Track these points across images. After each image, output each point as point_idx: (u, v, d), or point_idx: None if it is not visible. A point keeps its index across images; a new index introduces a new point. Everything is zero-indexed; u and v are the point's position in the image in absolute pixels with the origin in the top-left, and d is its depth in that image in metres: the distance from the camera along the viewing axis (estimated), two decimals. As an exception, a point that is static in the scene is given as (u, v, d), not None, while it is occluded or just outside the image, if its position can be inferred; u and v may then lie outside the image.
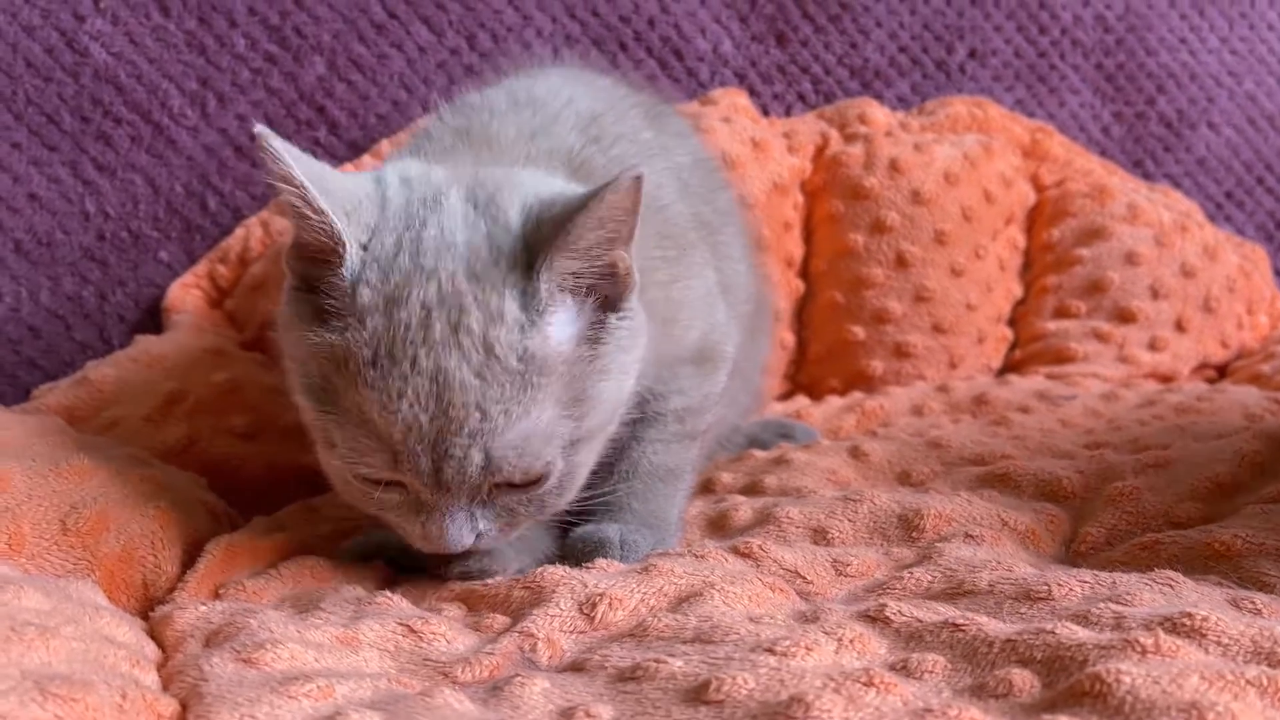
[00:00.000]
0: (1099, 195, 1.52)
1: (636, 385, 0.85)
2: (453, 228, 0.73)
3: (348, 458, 0.74)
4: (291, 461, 1.03)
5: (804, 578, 0.79)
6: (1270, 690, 0.52)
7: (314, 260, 0.74)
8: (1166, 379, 1.47)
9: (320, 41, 1.46)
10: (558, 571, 0.76)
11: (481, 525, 0.76)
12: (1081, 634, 0.59)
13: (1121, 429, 1.11)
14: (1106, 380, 1.41)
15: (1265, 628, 0.60)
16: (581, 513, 0.85)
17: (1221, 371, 1.54)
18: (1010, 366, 1.50)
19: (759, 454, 1.08)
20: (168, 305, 1.40)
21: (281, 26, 1.45)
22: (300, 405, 0.76)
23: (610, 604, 0.71)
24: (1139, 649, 0.57)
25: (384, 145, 1.45)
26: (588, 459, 0.78)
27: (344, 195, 0.73)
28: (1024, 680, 0.57)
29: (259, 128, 0.70)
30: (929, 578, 0.75)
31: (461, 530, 0.75)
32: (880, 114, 1.56)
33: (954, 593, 0.73)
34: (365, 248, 0.73)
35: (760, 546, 0.82)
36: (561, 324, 0.73)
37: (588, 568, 0.79)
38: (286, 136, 1.44)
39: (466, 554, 0.79)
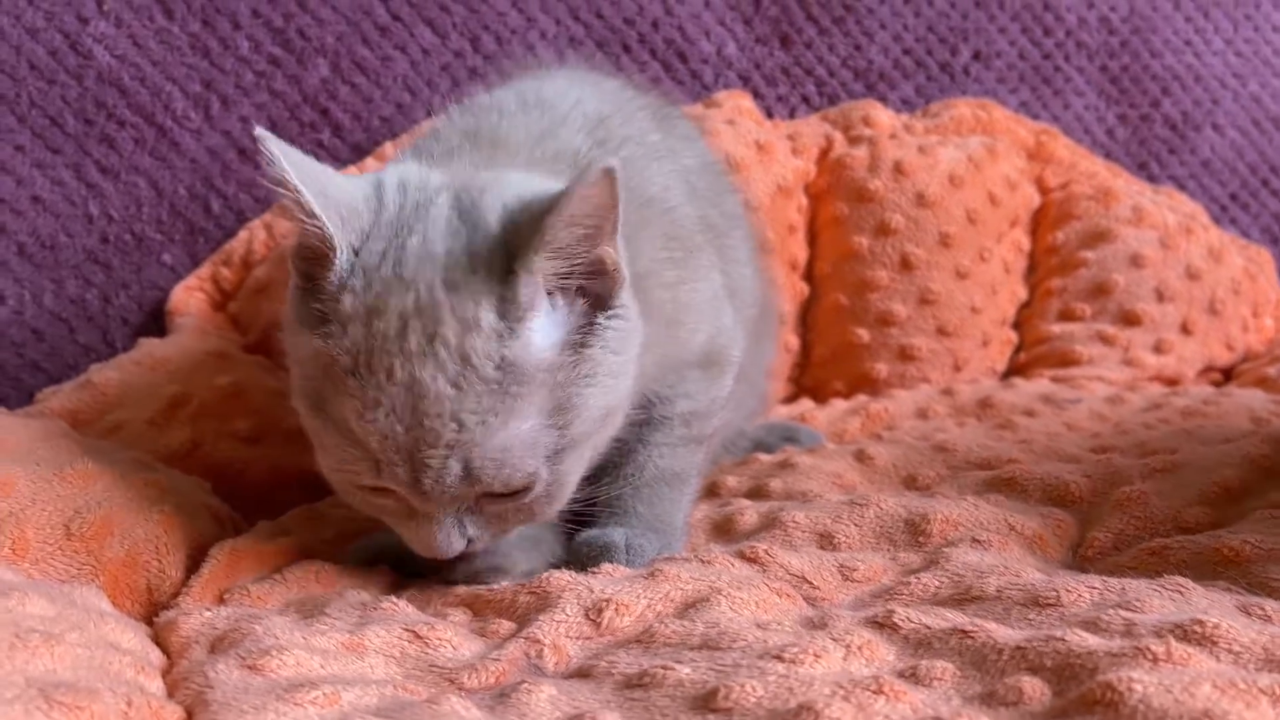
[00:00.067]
0: (1104, 198, 1.52)
1: (641, 388, 0.85)
2: (435, 236, 0.72)
3: (336, 464, 0.74)
4: (295, 465, 1.03)
5: (811, 583, 0.79)
6: (1283, 699, 0.52)
7: (313, 261, 0.73)
8: (1172, 382, 1.47)
9: (324, 44, 1.45)
10: (564, 577, 0.76)
11: (471, 531, 0.75)
12: (1092, 641, 0.59)
13: (1128, 433, 1.11)
14: (1111, 383, 1.41)
15: (1276, 635, 0.59)
16: (587, 515, 0.85)
17: (1227, 374, 1.53)
18: (1015, 369, 1.50)
19: (764, 457, 1.08)
20: (171, 308, 1.40)
21: (285, 29, 1.44)
22: (298, 408, 0.76)
23: (617, 610, 0.71)
24: (1150, 657, 0.56)
25: (387, 148, 1.45)
26: (575, 466, 0.77)
27: (340, 199, 0.73)
28: (1034, 688, 0.56)
29: (259, 130, 0.70)
30: (936, 583, 0.75)
31: (450, 536, 0.74)
32: (885, 116, 1.55)
33: (962, 599, 0.72)
34: (357, 252, 0.72)
35: (766, 551, 0.81)
36: (544, 329, 0.72)
37: (593, 572, 0.79)
38: (290, 139, 1.44)
39: (473, 554, 0.79)
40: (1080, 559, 0.85)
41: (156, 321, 1.42)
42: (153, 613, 0.80)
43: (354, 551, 0.88)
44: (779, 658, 0.61)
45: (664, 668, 0.62)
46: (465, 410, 0.69)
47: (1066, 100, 1.66)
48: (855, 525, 0.87)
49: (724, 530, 0.91)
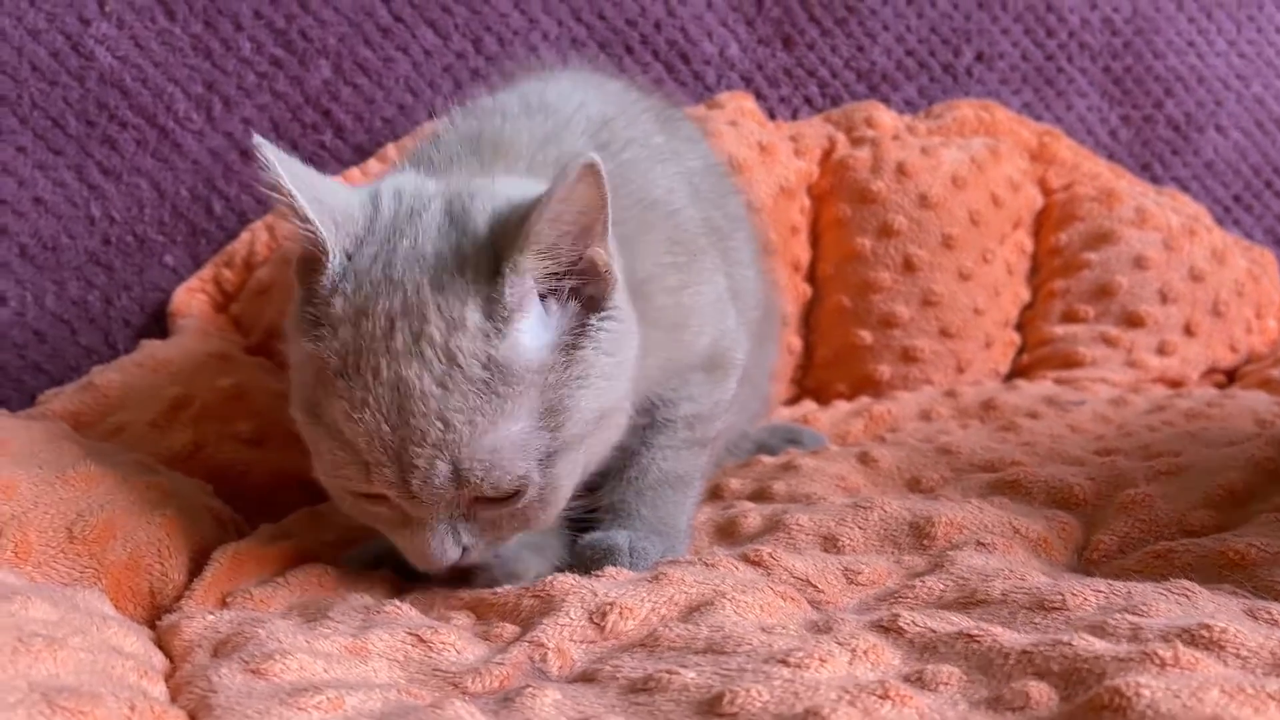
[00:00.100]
0: (1107, 199, 1.52)
1: (644, 391, 0.84)
2: (425, 240, 0.72)
3: (330, 470, 0.74)
4: (297, 467, 1.02)
5: (815, 586, 0.79)
6: (1291, 704, 0.51)
7: (310, 267, 0.74)
8: (1175, 384, 1.47)
9: (326, 45, 1.45)
10: (567, 580, 0.76)
11: (465, 539, 0.74)
12: (1098, 646, 0.59)
13: (1132, 435, 1.10)
14: (1115, 385, 1.40)
15: (1284, 639, 0.59)
16: (590, 519, 0.85)
17: (1230, 376, 1.53)
18: (1018, 371, 1.50)
19: (767, 460, 1.08)
20: (173, 310, 1.39)
21: (287, 30, 1.44)
22: (295, 416, 0.76)
23: (621, 613, 0.71)
24: (1158, 661, 0.56)
25: (390, 149, 1.45)
26: (569, 471, 0.75)
27: (335, 205, 0.73)
28: (1041, 693, 0.56)
29: (256, 138, 0.71)
30: (941, 586, 0.75)
31: (444, 544, 0.74)
32: (887, 117, 1.55)
33: (967, 602, 0.72)
34: (350, 257, 0.72)
35: (770, 554, 0.81)
36: (533, 330, 0.72)
37: (597, 576, 0.78)
38: (292, 141, 1.46)
39: (489, 565, 0.78)
40: (1085, 562, 0.85)
41: (158, 323, 1.42)
42: (155, 616, 0.80)
43: (355, 555, 0.88)
44: (784, 662, 0.61)
45: (669, 672, 0.61)
46: (451, 409, 0.69)
47: (1069, 101, 1.66)
48: (859, 528, 0.87)
49: (727, 533, 0.90)
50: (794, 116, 1.60)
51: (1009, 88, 1.64)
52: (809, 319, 1.49)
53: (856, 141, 1.52)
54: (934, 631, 0.65)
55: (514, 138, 0.85)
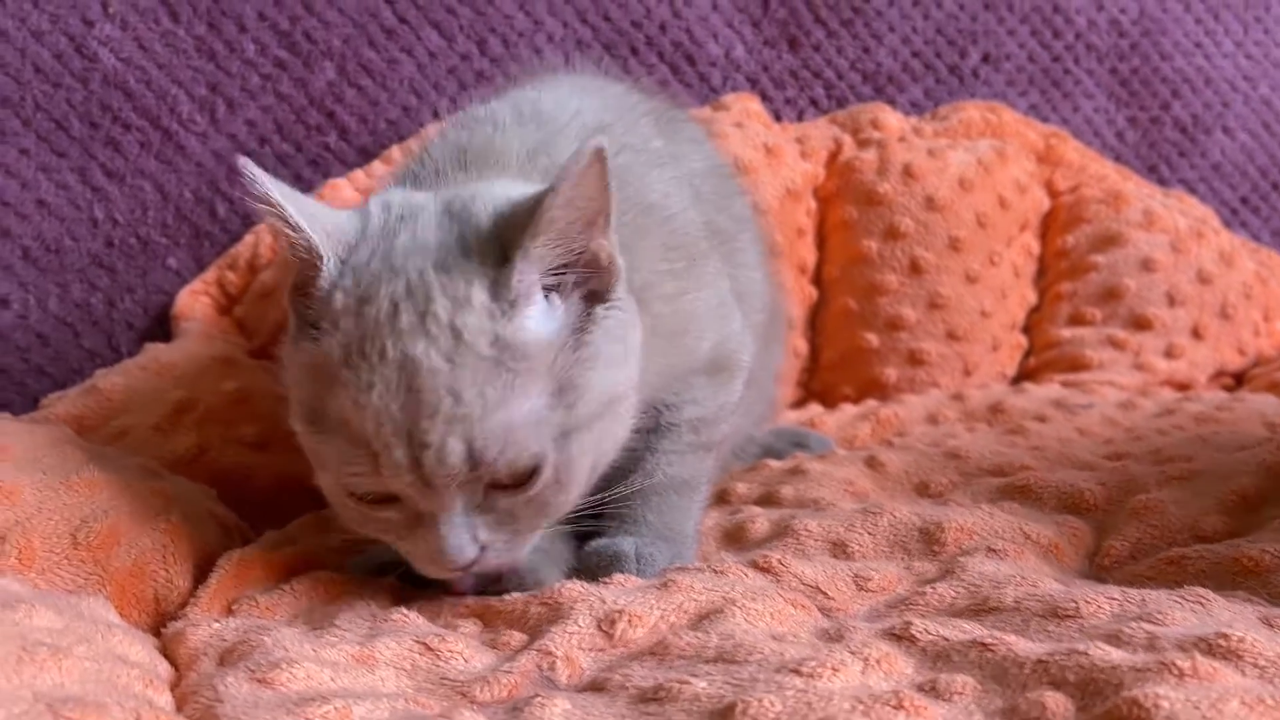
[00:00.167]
0: (1114, 201, 1.51)
1: (647, 396, 0.84)
2: (425, 232, 0.73)
3: (338, 473, 0.72)
4: (301, 471, 1.02)
5: (825, 593, 0.78)
6: (1312, 716, 0.51)
7: (307, 294, 0.73)
8: (1183, 386, 1.46)
9: (330, 47, 1.45)
10: (575, 587, 0.75)
11: (483, 535, 0.73)
12: (1115, 655, 0.58)
13: (1142, 439, 1.10)
14: (1123, 388, 1.40)
15: (1302, 649, 0.59)
16: (596, 527, 0.84)
17: (1238, 379, 1.52)
18: (1025, 374, 1.49)
19: (774, 464, 1.07)
20: (177, 312, 1.39)
21: (291, 32, 1.44)
22: (297, 432, 0.75)
23: (630, 621, 0.70)
24: (1176, 672, 0.55)
25: (394, 151, 1.44)
26: (585, 452, 0.74)
27: (324, 216, 0.74)
28: (1057, 703, 0.55)
29: (240, 159, 0.71)
30: (952, 593, 0.74)
31: (462, 540, 0.72)
32: (893, 119, 1.55)
33: (979, 609, 0.71)
34: (344, 261, 0.73)
35: (780, 561, 0.80)
36: (541, 316, 0.72)
37: (604, 582, 0.77)
38: (296, 142, 1.45)
39: (510, 575, 0.78)
40: (1097, 568, 0.84)
41: (162, 326, 1.41)
42: (160, 623, 0.80)
43: (360, 562, 0.87)
44: (796, 671, 0.60)
45: (679, 681, 0.61)
46: (461, 384, 0.68)
47: (1076, 103, 1.65)
48: (869, 534, 0.86)
49: (735, 538, 0.90)
50: (800, 118, 1.59)
51: (1015, 89, 1.63)
52: (815, 321, 1.48)
53: (862, 143, 1.52)
54: (947, 640, 0.64)
55: (504, 148, 0.84)
